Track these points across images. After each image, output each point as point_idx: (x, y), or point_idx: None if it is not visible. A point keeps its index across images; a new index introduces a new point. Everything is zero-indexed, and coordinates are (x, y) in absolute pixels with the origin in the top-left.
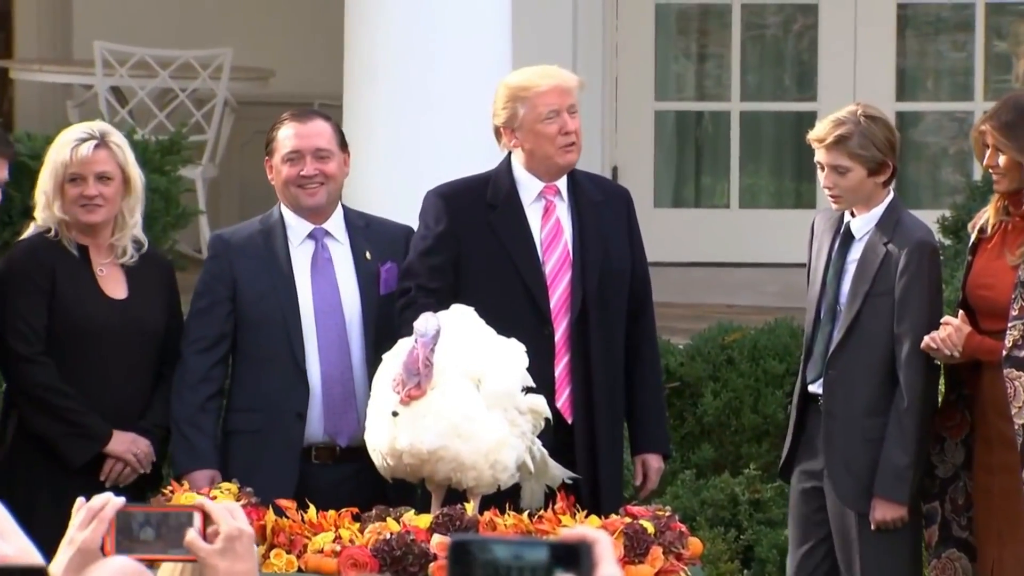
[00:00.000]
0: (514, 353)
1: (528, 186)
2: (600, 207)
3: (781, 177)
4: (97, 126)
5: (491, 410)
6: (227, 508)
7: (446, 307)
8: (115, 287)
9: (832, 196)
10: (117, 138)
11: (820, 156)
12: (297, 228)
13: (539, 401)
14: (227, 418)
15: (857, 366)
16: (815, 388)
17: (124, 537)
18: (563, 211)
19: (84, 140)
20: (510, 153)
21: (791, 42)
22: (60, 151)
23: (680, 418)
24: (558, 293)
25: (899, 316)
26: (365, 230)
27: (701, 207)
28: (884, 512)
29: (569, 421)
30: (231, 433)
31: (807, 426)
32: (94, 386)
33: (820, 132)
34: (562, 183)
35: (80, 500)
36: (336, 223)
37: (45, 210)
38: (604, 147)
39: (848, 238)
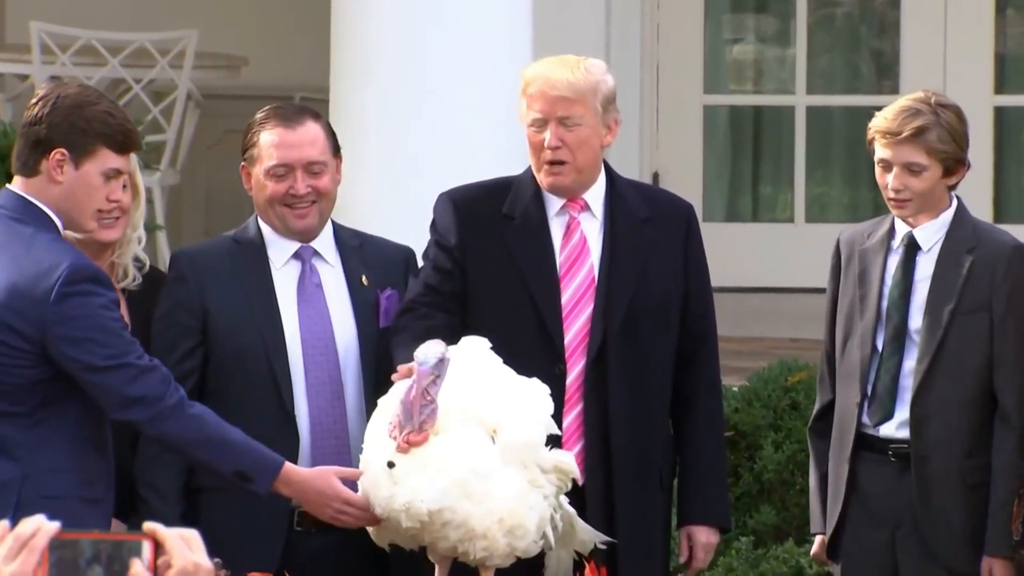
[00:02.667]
0: (537, 397)
1: (550, 197)
2: (646, 226)
3: (856, 185)
4: None
5: (508, 466)
6: (183, 537)
7: (456, 321)
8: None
9: (897, 201)
10: None
11: (886, 153)
12: (279, 246)
13: (566, 458)
14: (193, 472)
15: (950, 399)
16: (888, 432)
17: (60, 571)
18: (593, 230)
19: None
20: None
21: (868, 24)
22: None
23: (734, 475)
24: (576, 328)
25: (999, 334)
26: (359, 251)
27: (760, 221)
28: (1000, 574)
29: (580, 482)
30: (200, 491)
31: (860, 483)
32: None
33: (890, 123)
34: (596, 195)
35: (4, 524)
36: (326, 242)
37: None
38: (643, 150)
39: (912, 251)
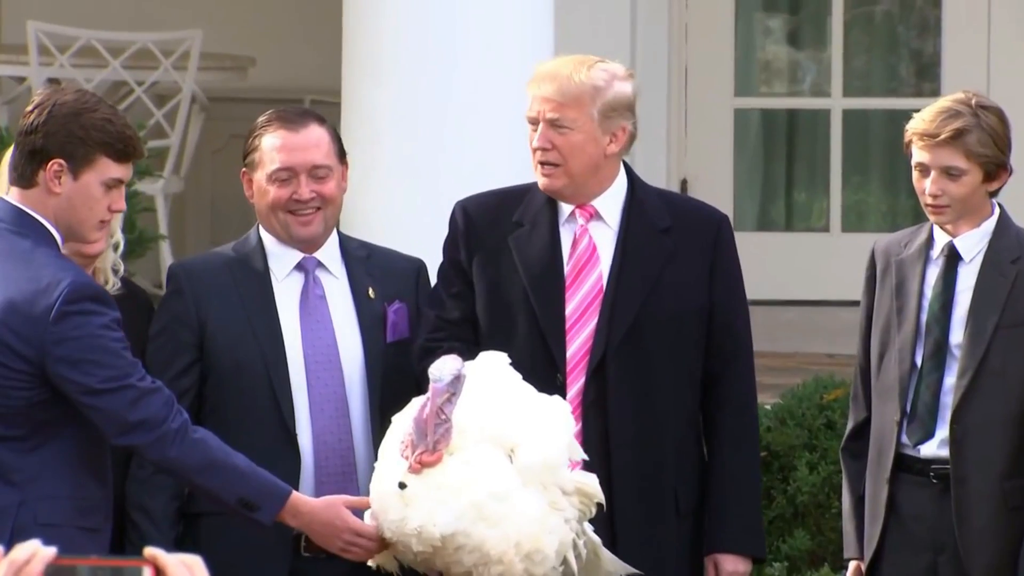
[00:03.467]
0: (559, 416)
1: (564, 204)
2: (665, 236)
3: (895, 192)
4: None
5: (527, 488)
6: (185, 563)
7: (475, 349)
8: None
9: (935, 207)
10: None
11: (923, 156)
12: (282, 258)
13: (589, 480)
14: (192, 496)
15: (993, 417)
16: (929, 451)
17: None
18: (605, 238)
19: None
20: None
21: (907, 22)
22: None
23: (767, 497)
24: (579, 340)
25: None
26: (366, 262)
27: (793, 231)
28: None
29: (604, 506)
30: (198, 516)
31: (900, 506)
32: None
33: (927, 125)
34: (610, 203)
35: None
36: (331, 252)
37: None
38: (670, 155)
39: (953, 261)
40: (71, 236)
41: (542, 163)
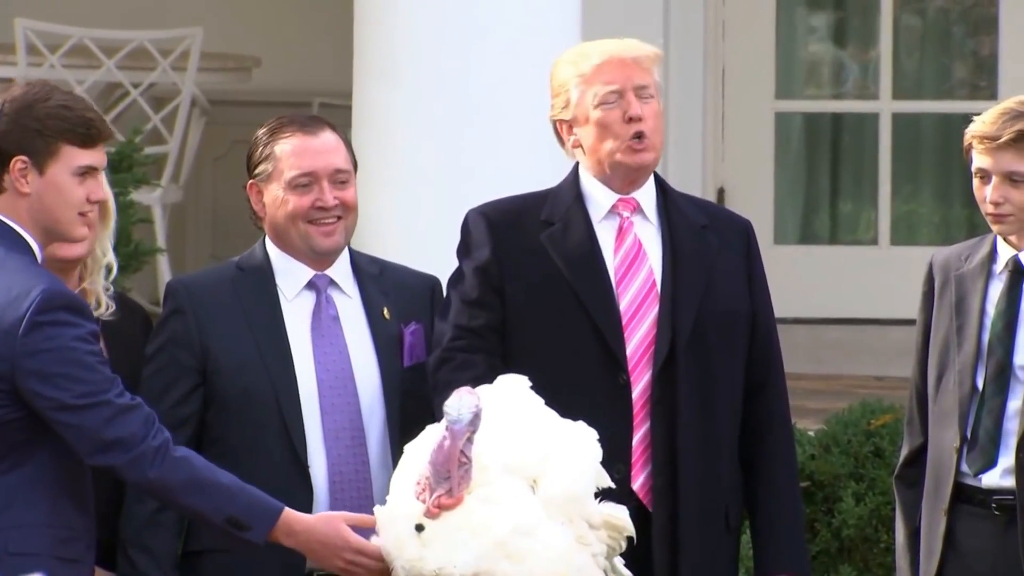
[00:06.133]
0: (584, 442)
1: (597, 199)
2: (705, 233)
3: (948, 202)
4: None
5: (552, 520)
6: None
7: (496, 360)
8: None
9: (997, 216)
10: None
11: (984, 161)
12: (291, 275)
13: (618, 512)
14: (192, 533)
15: None
16: (991, 481)
17: None
18: (648, 232)
19: None
20: (577, 163)
21: (962, 20)
22: None
23: (811, 530)
24: (639, 335)
25: None
26: (379, 279)
27: (839, 244)
28: None
29: (648, 508)
30: (200, 554)
31: (959, 540)
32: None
33: (988, 128)
34: (648, 198)
35: None
36: (342, 269)
37: None
38: (707, 161)
39: (1017, 277)
40: (53, 236)
41: (640, 138)
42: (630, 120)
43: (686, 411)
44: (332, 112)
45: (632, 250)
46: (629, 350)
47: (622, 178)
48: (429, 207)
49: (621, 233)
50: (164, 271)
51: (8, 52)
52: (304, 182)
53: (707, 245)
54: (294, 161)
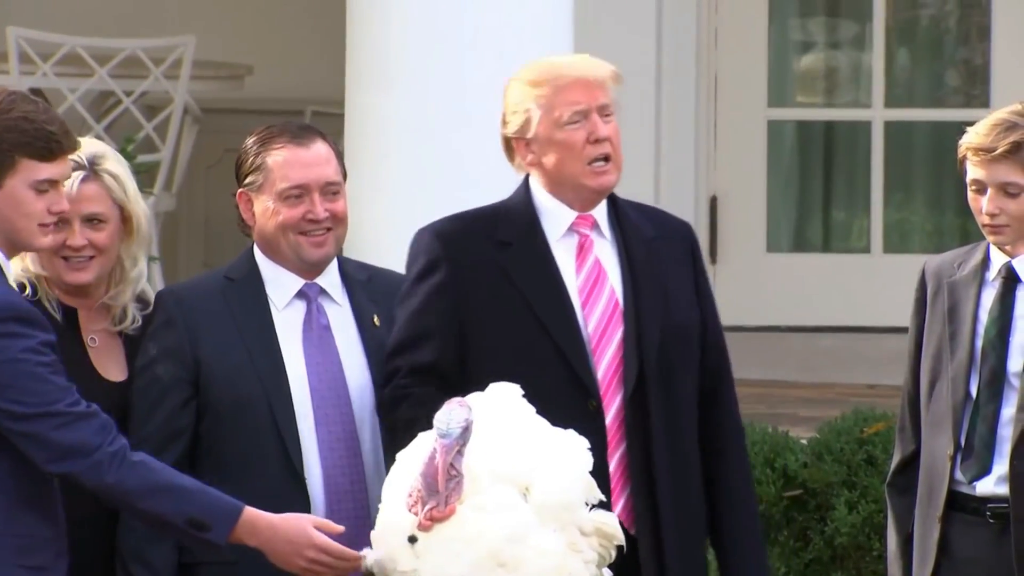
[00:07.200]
0: (574, 451)
1: (555, 216)
2: (655, 245)
3: (940, 210)
4: (88, 148)
5: (544, 527)
6: None
7: (453, 391)
8: (111, 364)
9: (993, 227)
10: (113, 164)
11: (979, 172)
12: (281, 284)
13: (608, 520)
14: (187, 547)
15: None
16: (986, 489)
17: None
18: (605, 249)
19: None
20: (527, 176)
21: (955, 28)
22: None
23: (803, 539)
24: (607, 358)
25: None
26: (367, 286)
27: (832, 252)
28: None
29: (631, 531)
30: (197, 566)
31: (953, 548)
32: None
33: (983, 139)
34: (600, 213)
35: None
36: (331, 278)
37: (19, 260)
38: (699, 170)
39: (1011, 284)
40: (16, 247)
41: (604, 159)
42: (596, 141)
43: (658, 433)
44: (325, 120)
45: (593, 270)
46: (600, 373)
47: (584, 199)
48: (423, 213)
49: (582, 252)
50: (157, 280)
51: (1, 61)
52: (295, 194)
53: (659, 258)
54: (285, 173)
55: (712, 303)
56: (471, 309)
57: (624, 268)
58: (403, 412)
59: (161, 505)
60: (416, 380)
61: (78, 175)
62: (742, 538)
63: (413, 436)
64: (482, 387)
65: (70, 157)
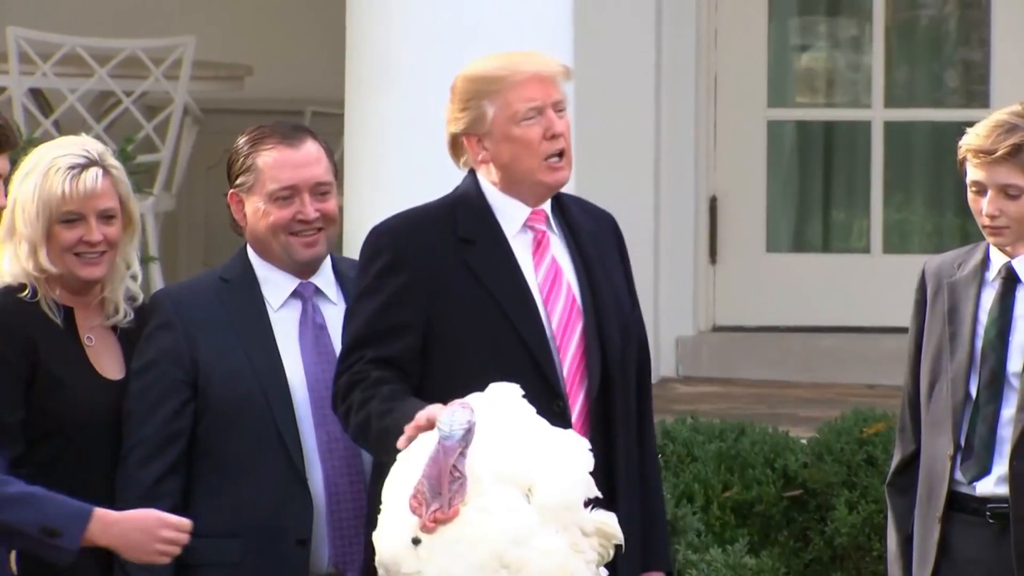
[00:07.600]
0: (575, 451)
1: (509, 213)
2: (596, 239)
3: (940, 210)
4: (89, 144)
5: (547, 528)
6: None
7: (413, 381)
8: (108, 362)
9: (993, 229)
10: (114, 160)
11: (979, 174)
12: (276, 285)
13: (608, 520)
14: (188, 547)
15: None
16: (986, 489)
17: None
18: (557, 246)
19: (84, 166)
20: (472, 171)
21: (955, 29)
22: (50, 181)
23: (803, 538)
24: (570, 355)
25: None
26: None
27: (832, 252)
28: None
29: (623, 548)
30: (195, 568)
31: (953, 548)
32: (79, 495)
33: (982, 141)
34: (546, 207)
35: None
36: (326, 277)
37: (26, 260)
38: (698, 171)
39: (1011, 284)
40: None
41: (559, 155)
42: (552, 137)
43: (620, 430)
44: (325, 120)
45: (551, 268)
46: (565, 372)
47: (538, 195)
48: None
49: (539, 249)
50: (156, 280)
51: (1, 61)
52: (285, 195)
53: (601, 253)
54: (275, 174)
55: (636, 298)
56: (439, 306)
57: (577, 265)
58: (356, 395)
59: (12, 516)
60: (374, 367)
61: (96, 171)
62: (654, 526)
63: (367, 415)
64: (449, 384)
65: (80, 152)
